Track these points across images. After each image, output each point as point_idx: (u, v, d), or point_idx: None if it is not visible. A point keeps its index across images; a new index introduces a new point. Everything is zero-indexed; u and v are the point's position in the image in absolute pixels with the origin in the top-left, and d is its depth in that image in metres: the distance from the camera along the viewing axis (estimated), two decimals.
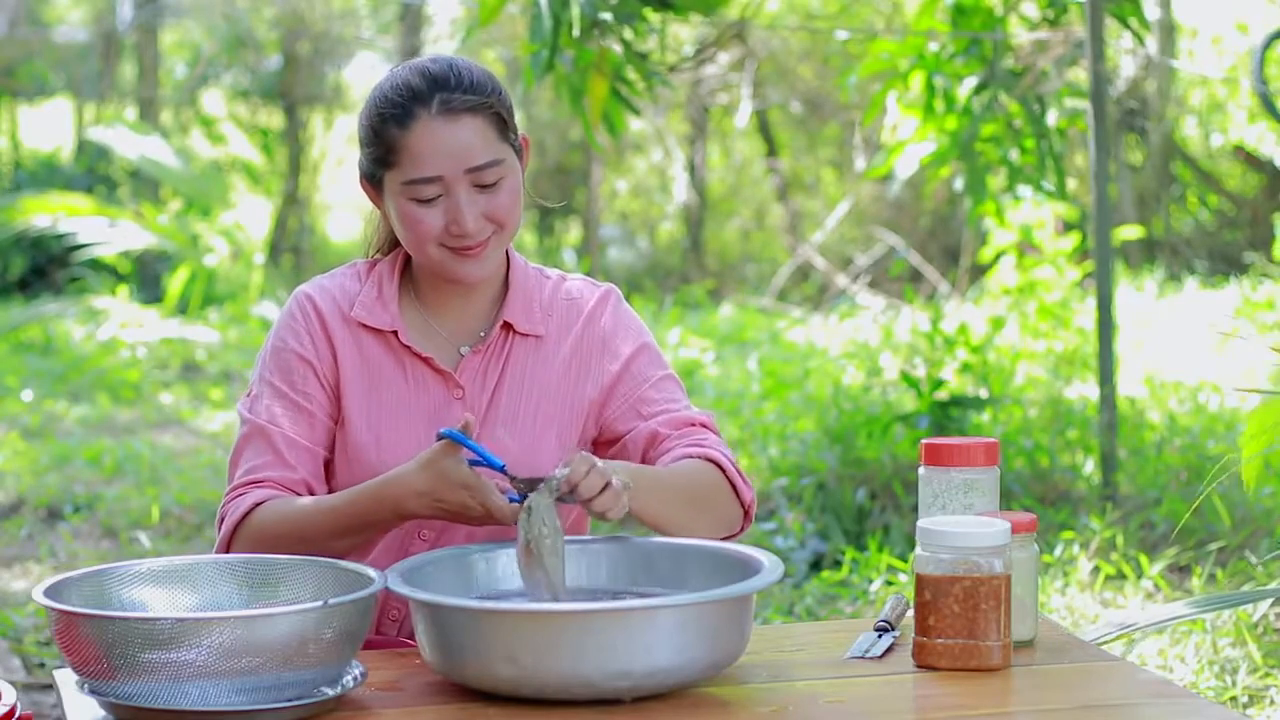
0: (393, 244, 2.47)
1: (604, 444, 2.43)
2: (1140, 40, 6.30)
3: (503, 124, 2.32)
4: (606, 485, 2.10)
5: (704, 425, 2.40)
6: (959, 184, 6.71)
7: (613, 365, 2.41)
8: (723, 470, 2.33)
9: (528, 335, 2.41)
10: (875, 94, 6.56)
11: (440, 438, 2.16)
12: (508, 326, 2.40)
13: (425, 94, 2.28)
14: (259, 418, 2.35)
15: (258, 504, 2.29)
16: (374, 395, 2.37)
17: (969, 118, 6.25)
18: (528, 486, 2.13)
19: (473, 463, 2.17)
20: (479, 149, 2.29)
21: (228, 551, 2.30)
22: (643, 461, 2.38)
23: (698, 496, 2.29)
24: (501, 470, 2.16)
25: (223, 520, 2.31)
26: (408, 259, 2.44)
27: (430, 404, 2.37)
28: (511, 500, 2.16)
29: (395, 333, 2.38)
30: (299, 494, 2.33)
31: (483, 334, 2.41)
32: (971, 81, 6.28)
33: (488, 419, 2.37)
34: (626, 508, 2.13)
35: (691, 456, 2.33)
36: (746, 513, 2.36)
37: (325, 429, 2.37)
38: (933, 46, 6.31)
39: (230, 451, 2.38)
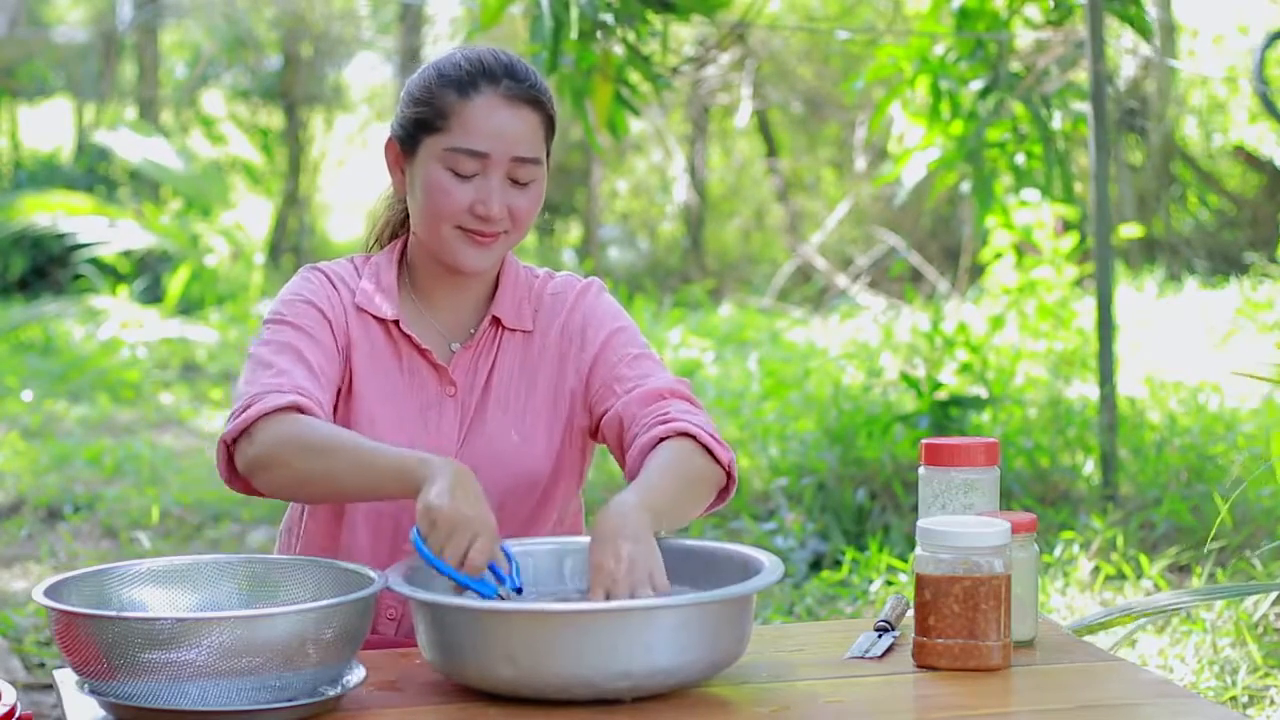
0: (392, 237, 2.48)
1: (596, 432, 2.40)
2: (1146, 39, 6.30)
3: (550, 130, 2.35)
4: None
5: (674, 394, 2.32)
6: (965, 187, 6.71)
7: (589, 351, 2.39)
8: (696, 439, 2.26)
9: (516, 330, 2.41)
10: (880, 99, 6.55)
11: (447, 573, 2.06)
12: (497, 322, 2.40)
13: (496, 73, 2.29)
14: (284, 339, 2.28)
15: (300, 408, 2.19)
16: (375, 383, 2.36)
17: (975, 122, 6.25)
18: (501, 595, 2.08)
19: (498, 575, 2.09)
20: (529, 141, 2.30)
21: (238, 438, 2.19)
22: (620, 448, 2.33)
23: (689, 482, 2.23)
24: (517, 592, 2.09)
25: (248, 407, 2.19)
26: (404, 252, 2.44)
27: (424, 399, 2.37)
28: (487, 591, 2.05)
29: (396, 321, 2.38)
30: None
31: (473, 330, 2.41)
32: (977, 85, 6.28)
33: (478, 415, 2.37)
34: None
35: (662, 438, 2.25)
36: (729, 474, 2.29)
37: (337, 370, 2.32)
38: (937, 50, 6.31)
39: (249, 366, 2.27)
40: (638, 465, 2.26)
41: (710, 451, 2.26)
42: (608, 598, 2.01)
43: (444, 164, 2.29)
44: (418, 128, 2.32)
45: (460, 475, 2.06)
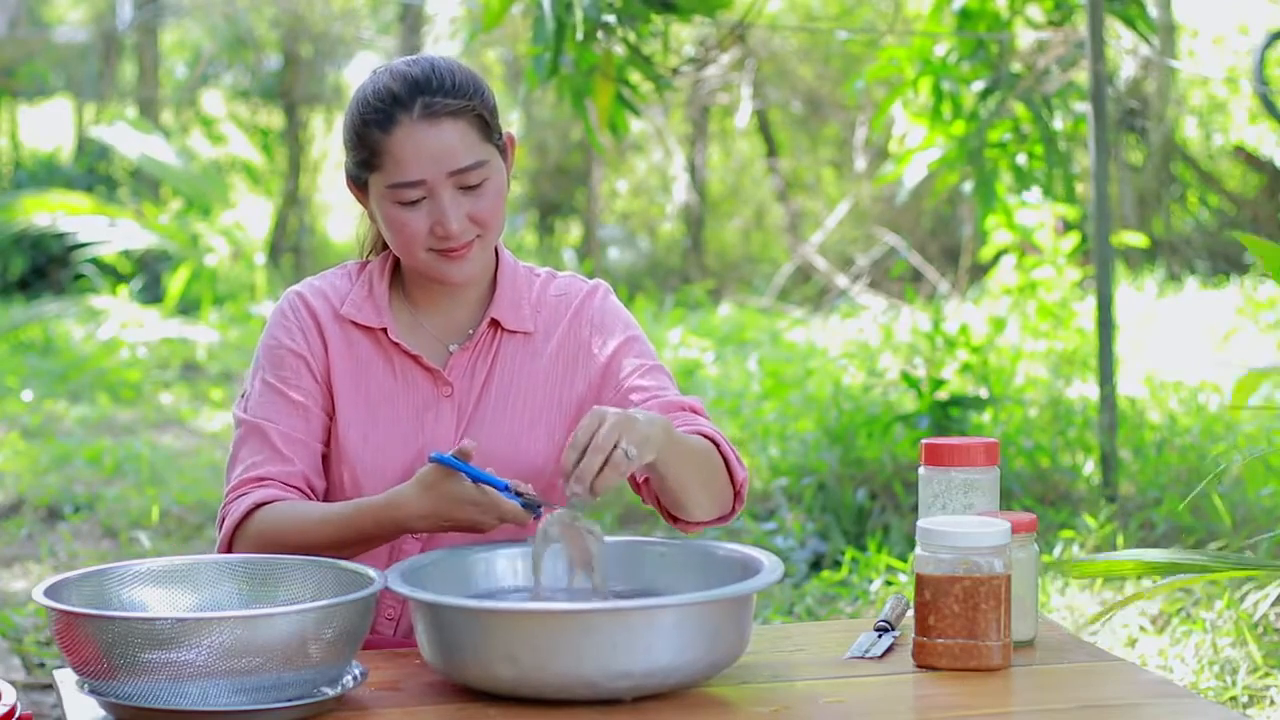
0: (385, 243, 2.49)
1: None
2: (1148, 40, 6.29)
3: (485, 125, 2.32)
4: (604, 463, 2.06)
5: (693, 409, 2.36)
6: (967, 187, 6.70)
7: (600, 358, 2.40)
8: (719, 447, 2.29)
9: (516, 332, 2.41)
10: (882, 100, 6.54)
11: (432, 460, 2.15)
12: (495, 324, 2.41)
13: (406, 98, 2.29)
14: (254, 416, 2.36)
15: (260, 504, 2.28)
16: (363, 393, 2.38)
17: (976, 123, 6.24)
18: (533, 502, 2.15)
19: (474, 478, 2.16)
20: (461, 152, 2.29)
21: (229, 552, 2.29)
22: None
23: (705, 470, 2.25)
24: (505, 489, 2.15)
25: (223, 521, 2.30)
26: (397, 259, 2.44)
27: (419, 401, 2.38)
28: (520, 503, 2.16)
29: (384, 330, 2.39)
30: (299, 489, 2.32)
31: (471, 332, 2.41)
32: (978, 85, 6.28)
33: (475, 416, 2.38)
34: (628, 471, 2.07)
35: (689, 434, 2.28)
36: (738, 494, 2.31)
37: (321, 423, 2.37)
38: (938, 50, 6.30)
39: (229, 454, 2.38)
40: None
41: (727, 463, 2.29)
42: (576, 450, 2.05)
43: (390, 199, 2.31)
44: (360, 168, 2.35)
45: (421, 489, 2.18)
